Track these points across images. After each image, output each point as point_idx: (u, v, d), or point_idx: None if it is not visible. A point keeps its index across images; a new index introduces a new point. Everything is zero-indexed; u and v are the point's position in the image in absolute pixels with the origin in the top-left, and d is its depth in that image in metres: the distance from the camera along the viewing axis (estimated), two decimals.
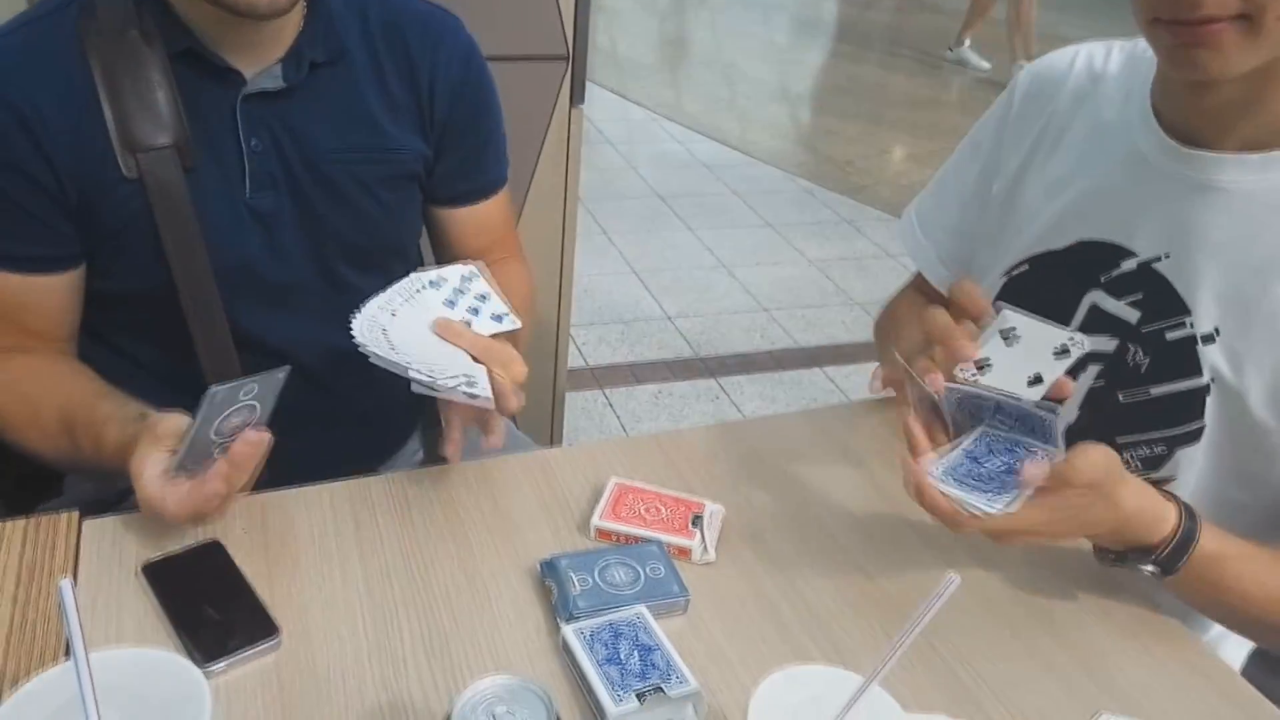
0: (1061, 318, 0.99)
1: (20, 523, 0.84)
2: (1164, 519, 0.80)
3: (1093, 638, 0.83)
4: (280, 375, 0.80)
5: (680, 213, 3.97)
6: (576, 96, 1.69)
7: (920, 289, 1.18)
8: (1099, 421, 0.97)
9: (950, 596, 0.56)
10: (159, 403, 0.90)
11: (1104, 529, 0.81)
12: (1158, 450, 0.94)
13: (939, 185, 1.15)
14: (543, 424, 1.98)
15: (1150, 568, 0.81)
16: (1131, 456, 0.96)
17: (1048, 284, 1.00)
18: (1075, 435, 1.00)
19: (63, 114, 0.92)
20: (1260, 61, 0.77)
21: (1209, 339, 0.89)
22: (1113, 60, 0.99)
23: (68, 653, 0.54)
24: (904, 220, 1.18)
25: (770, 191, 4.31)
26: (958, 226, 1.11)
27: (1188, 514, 0.81)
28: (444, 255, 1.22)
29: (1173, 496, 0.82)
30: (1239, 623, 0.88)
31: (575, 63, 1.67)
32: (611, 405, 2.68)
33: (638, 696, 0.69)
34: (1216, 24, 0.74)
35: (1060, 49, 1.05)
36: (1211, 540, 0.81)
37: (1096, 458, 0.76)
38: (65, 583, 0.49)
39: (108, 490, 1.09)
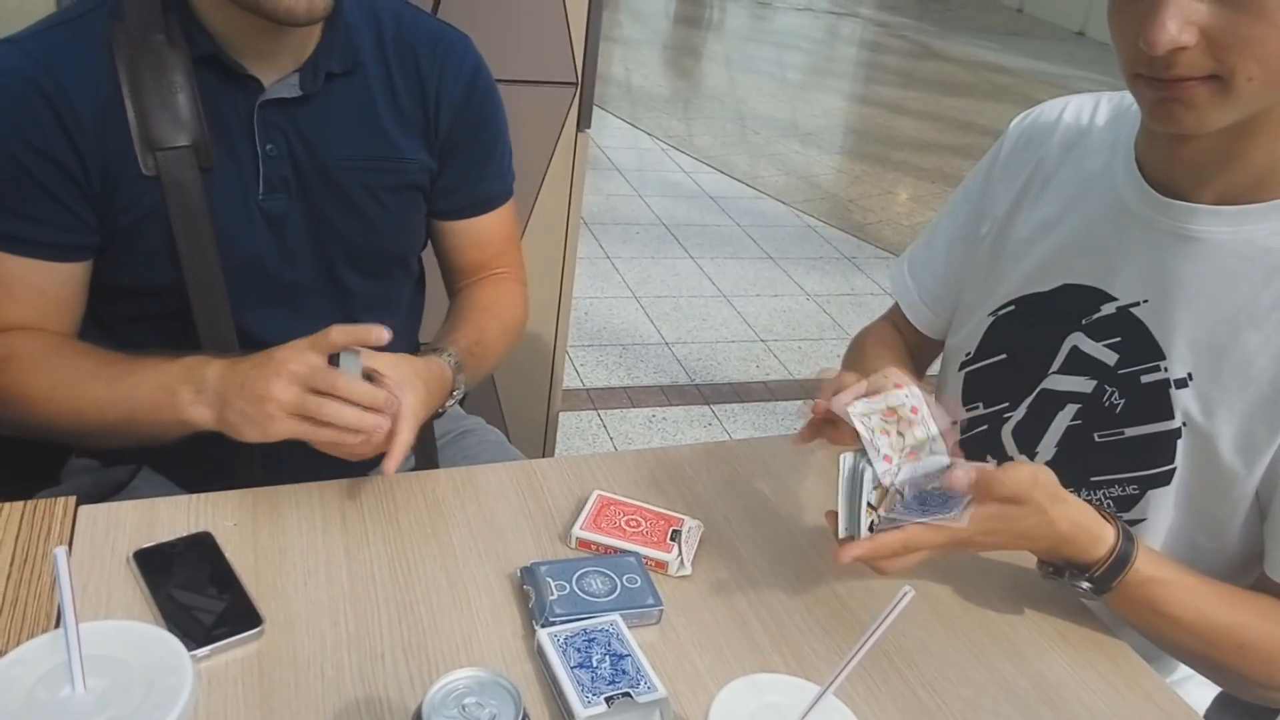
0: (1044, 358, 1.02)
1: (18, 506, 0.86)
2: (1101, 539, 0.83)
3: (1054, 666, 0.85)
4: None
5: (684, 241, 4.02)
6: (583, 122, 1.73)
7: (894, 322, 1.22)
8: (1074, 460, 0.99)
9: (905, 608, 0.58)
10: None
11: (1040, 544, 0.84)
12: (1130, 490, 0.96)
13: (931, 230, 1.19)
14: (535, 441, 2.00)
15: (1085, 584, 0.84)
16: (1105, 496, 0.98)
17: (1032, 324, 1.03)
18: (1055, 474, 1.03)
19: (91, 109, 0.95)
20: (1234, 119, 0.80)
21: (1182, 384, 0.91)
22: (1100, 112, 1.03)
23: (58, 626, 0.56)
24: (896, 262, 1.21)
25: (773, 225, 4.36)
26: (944, 270, 1.15)
27: (1125, 536, 0.84)
28: (445, 266, 1.25)
29: (1113, 518, 0.84)
30: (1172, 646, 0.90)
31: (583, 89, 1.71)
32: (605, 427, 2.70)
33: (606, 701, 0.71)
34: (1189, 82, 0.77)
35: (1050, 101, 1.08)
36: (1147, 564, 0.83)
37: (1022, 474, 0.80)
38: (59, 550, 0.52)
39: (105, 484, 1.12)
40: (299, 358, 0.86)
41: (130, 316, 1.07)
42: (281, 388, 0.85)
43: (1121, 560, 0.83)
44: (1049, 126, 1.05)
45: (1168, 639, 0.88)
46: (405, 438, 0.89)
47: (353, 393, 0.86)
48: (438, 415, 1.06)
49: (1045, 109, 1.08)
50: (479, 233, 1.22)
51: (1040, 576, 0.89)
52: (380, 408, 0.87)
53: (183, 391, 0.90)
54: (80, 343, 1.02)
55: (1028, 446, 1.04)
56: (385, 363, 0.92)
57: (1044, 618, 0.90)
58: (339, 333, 0.87)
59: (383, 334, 0.87)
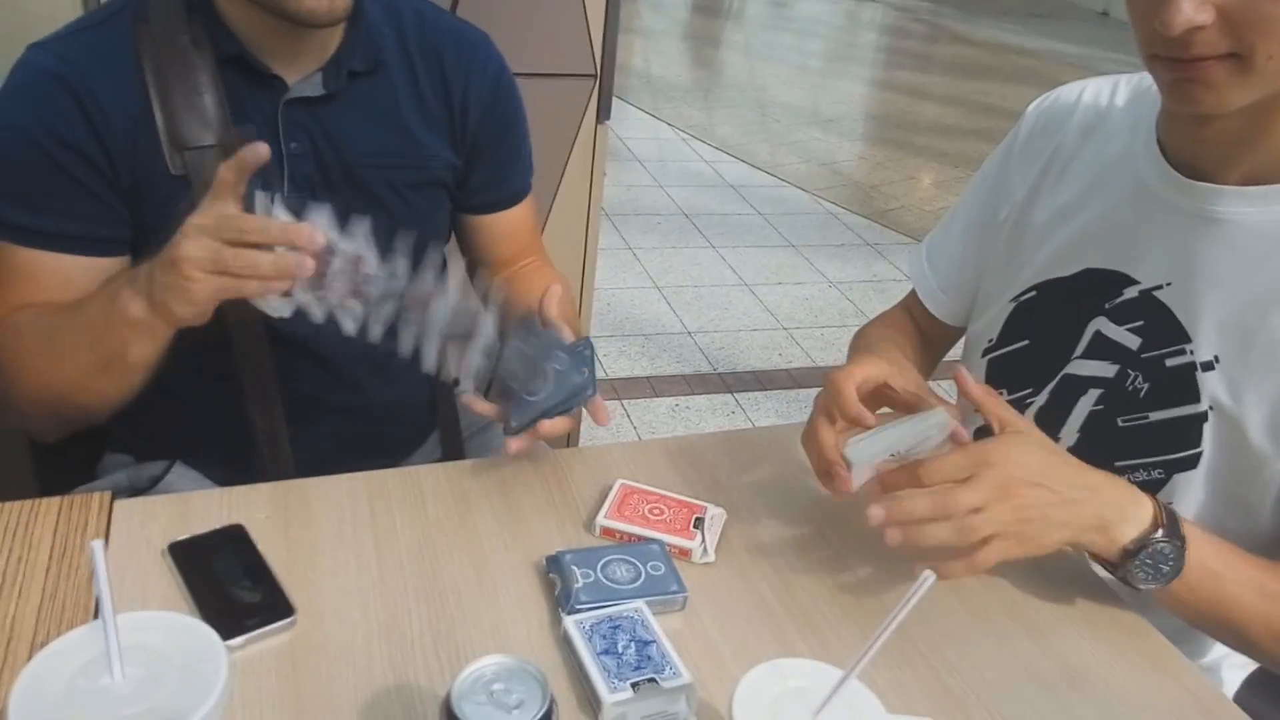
0: (1067, 343, 1.02)
1: (55, 501, 0.88)
2: (1138, 495, 0.82)
3: (1078, 648, 0.85)
4: None
5: (705, 231, 4.02)
6: (603, 113, 1.73)
7: (909, 310, 1.21)
8: (1097, 445, 0.98)
9: (926, 593, 0.59)
10: (194, 387, 0.95)
11: (1082, 498, 0.80)
12: (1155, 475, 0.96)
13: (949, 217, 1.18)
14: None
15: (1164, 549, 0.79)
16: (1130, 481, 0.98)
17: (1054, 310, 1.03)
18: (1079, 459, 1.03)
19: (119, 110, 0.97)
20: (1254, 97, 0.79)
21: (1208, 366, 0.91)
22: (1119, 94, 1.02)
23: (96, 617, 0.57)
24: (915, 251, 1.21)
25: (794, 213, 4.35)
26: (962, 256, 1.14)
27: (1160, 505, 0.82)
28: (471, 258, 1.26)
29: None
30: (1237, 624, 0.84)
31: (603, 81, 1.71)
32: (629, 416, 2.71)
33: (632, 686, 0.72)
34: (1207, 61, 0.76)
35: (1068, 84, 1.07)
36: (1195, 529, 0.82)
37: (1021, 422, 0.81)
38: (96, 543, 0.53)
39: (139, 479, 1.14)
40: (203, 211, 0.82)
41: None
42: (190, 246, 0.81)
43: (1173, 515, 0.81)
44: (1067, 110, 1.04)
45: (1235, 611, 0.83)
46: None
47: (265, 232, 0.81)
48: None
49: (1063, 92, 1.07)
50: (507, 226, 1.24)
51: (1099, 573, 0.86)
52: (298, 242, 0.81)
53: (124, 291, 0.88)
54: (44, 308, 1.00)
55: (1050, 432, 1.03)
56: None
57: (1067, 600, 0.90)
58: (225, 169, 0.83)
59: (259, 148, 0.82)
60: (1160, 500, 0.83)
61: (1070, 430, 1.02)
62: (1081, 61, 8.01)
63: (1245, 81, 0.77)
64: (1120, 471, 0.97)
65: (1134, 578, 0.81)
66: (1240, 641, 0.87)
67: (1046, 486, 0.79)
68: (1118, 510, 0.81)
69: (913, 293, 1.20)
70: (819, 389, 0.93)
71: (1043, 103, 1.08)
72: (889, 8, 10.22)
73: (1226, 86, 0.77)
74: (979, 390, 0.85)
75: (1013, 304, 1.06)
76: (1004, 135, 1.12)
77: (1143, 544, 0.80)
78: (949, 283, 1.16)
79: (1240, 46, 0.75)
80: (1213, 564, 0.82)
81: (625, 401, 2.78)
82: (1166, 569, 0.81)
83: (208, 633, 0.59)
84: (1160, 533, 0.80)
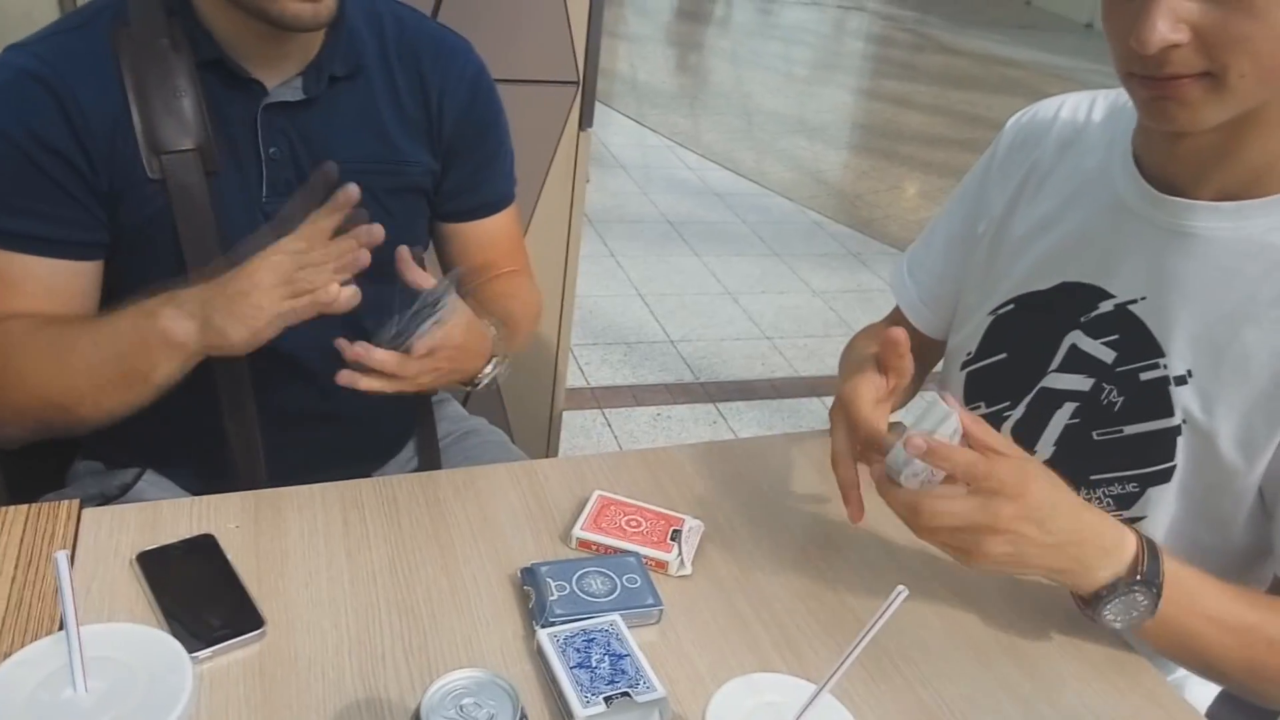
0: (1043, 356, 1.02)
1: (23, 509, 0.87)
2: (1121, 529, 0.80)
3: (1057, 667, 0.85)
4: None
5: (689, 239, 4.02)
6: (585, 120, 1.73)
7: (896, 323, 1.21)
8: (1073, 459, 0.99)
9: (901, 607, 0.58)
10: (168, 394, 0.94)
11: (1069, 543, 0.78)
12: (1130, 488, 0.96)
13: (929, 230, 1.18)
14: (539, 441, 2.01)
15: (1139, 590, 0.78)
16: (1105, 495, 0.98)
17: (1031, 323, 1.03)
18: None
19: (98, 111, 0.96)
20: (1229, 115, 0.79)
21: (1181, 380, 0.91)
22: (1096, 110, 1.03)
23: (60, 629, 0.56)
24: (897, 263, 1.21)
25: (779, 222, 4.35)
26: (942, 270, 1.15)
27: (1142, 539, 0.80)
28: (449, 270, 1.25)
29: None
30: (1213, 658, 0.83)
31: (585, 88, 1.71)
32: (610, 425, 2.71)
33: (605, 700, 0.71)
34: (1182, 79, 0.77)
35: (1046, 99, 1.08)
36: (1172, 558, 0.81)
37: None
38: (61, 554, 0.52)
39: (109, 487, 1.13)
40: (280, 245, 0.90)
41: None
42: (267, 274, 0.89)
43: (1153, 548, 0.79)
44: (1045, 124, 1.05)
45: (1209, 650, 0.82)
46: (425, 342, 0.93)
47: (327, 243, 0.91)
48: (475, 385, 1.06)
49: (1041, 107, 1.07)
50: (484, 235, 1.23)
51: (1080, 613, 0.83)
52: (359, 244, 0.90)
53: (164, 310, 0.91)
54: (60, 318, 1.00)
55: (1026, 445, 1.03)
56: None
57: (1042, 615, 0.90)
58: (323, 216, 0.92)
59: (350, 190, 0.92)
60: (1145, 540, 0.80)
61: (1046, 443, 1.02)
62: (1067, 73, 8.07)
63: (1219, 100, 0.78)
64: (1095, 485, 0.98)
65: (1103, 619, 0.80)
66: (1215, 677, 0.87)
67: (1044, 528, 0.77)
68: (1098, 556, 0.79)
69: (898, 307, 1.20)
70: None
71: (1021, 117, 1.09)
72: (876, 17, 10.27)
73: (1201, 104, 0.78)
74: (967, 418, 0.82)
75: (991, 317, 1.06)
76: (989, 145, 1.13)
77: (1115, 589, 0.79)
78: (930, 295, 1.16)
79: (1214, 65, 0.76)
80: (1188, 603, 0.80)
81: (606, 410, 2.77)
82: (1137, 614, 0.80)
83: (173, 644, 0.58)
84: (1137, 578, 0.79)
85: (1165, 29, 0.74)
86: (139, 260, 1.02)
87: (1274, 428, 0.86)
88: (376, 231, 0.91)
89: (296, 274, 0.89)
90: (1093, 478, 0.98)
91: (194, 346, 0.91)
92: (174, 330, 0.90)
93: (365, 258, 0.90)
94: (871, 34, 9.59)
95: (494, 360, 1.06)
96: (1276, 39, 0.74)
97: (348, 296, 0.90)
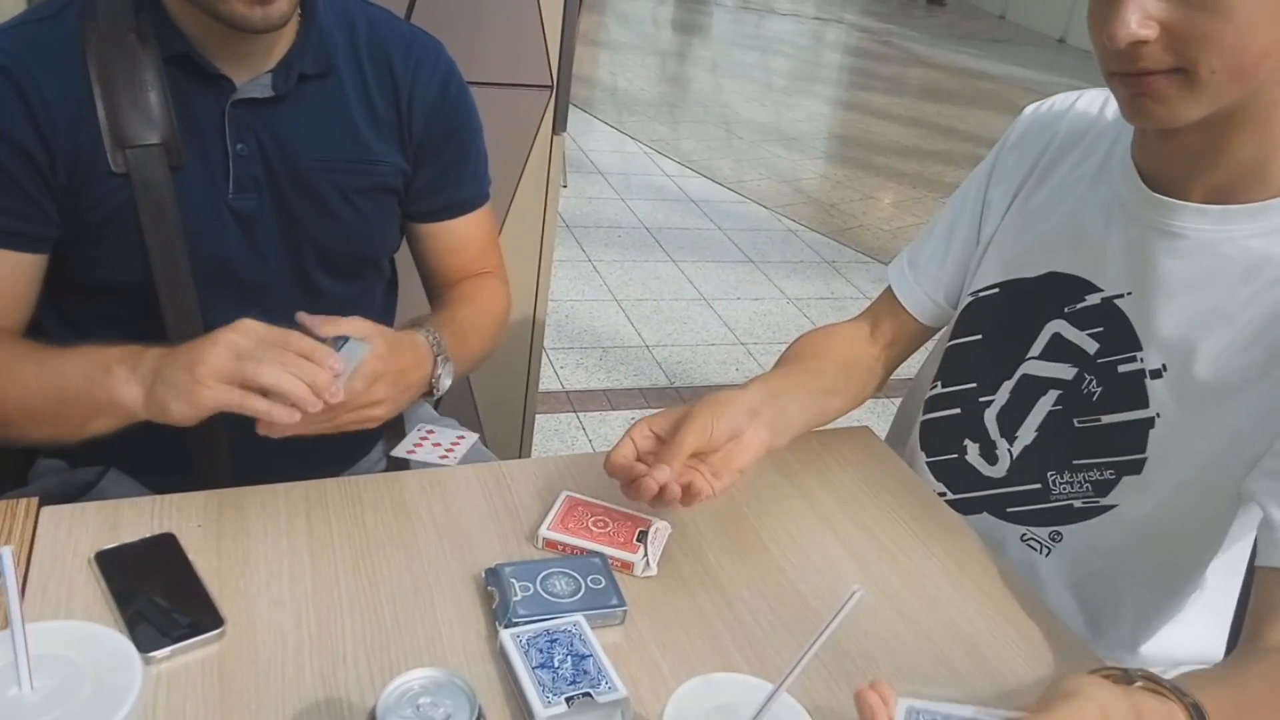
0: (1022, 342, 1.04)
1: None
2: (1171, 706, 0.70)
3: (1014, 666, 0.85)
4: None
5: (666, 245, 4.02)
6: (559, 125, 1.73)
7: (874, 319, 1.18)
8: (1055, 444, 1.02)
9: (856, 607, 0.59)
10: None
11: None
12: (1107, 475, 0.98)
13: (936, 218, 1.18)
14: (512, 443, 2.00)
15: None
16: (1084, 479, 1.00)
17: (1014, 308, 1.05)
18: (1033, 456, 1.03)
19: (62, 104, 0.95)
20: (1205, 111, 0.81)
21: (1157, 374, 0.93)
22: (1108, 107, 1.04)
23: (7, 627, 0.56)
24: (895, 258, 1.20)
25: (755, 229, 4.37)
26: (947, 254, 1.14)
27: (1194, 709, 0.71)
28: (424, 271, 1.25)
29: (1171, 692, 0.71)
30: None
31: (559, 92, 1.71)
32: (584, 429, 2.70)
33: (567, 701, 0.71)
34: (1155, 75, 0.79)
35: (1064, 93, 1.09)
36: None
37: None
38: (5, 549, 0.52)
39: (71, 485, 1.11)
40: (244, 331, 0.84)
41: (99, 315, 1.07)
42: (216, 354, 0.83)
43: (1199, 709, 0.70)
44: (1059, 116, 1.06)
45: None
46: (355, 385, 0.89)
47: (306, 352, 0.84)
48: (428, 394, 1.05)
49: (1059, 99, 1.09)
50: (455, 236, 1.23)
51: None
52: (319, 389, 0.83)
53: (118, 369, 0.88)
54: (15, 335, 1.00)
55: (1009, 430, 1.06)
56: (346, 325, 0.91)
57: (1007, 619, 0.91)
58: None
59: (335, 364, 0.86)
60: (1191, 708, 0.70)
61: (1028, 429, 1.04)
62: (1038, 86, 8.16)
63: (1193, 96, 0.79)
64: (1076, 469, 1.00)
65: None
66: None
67: None
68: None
69: (884, 301, 1.18)
70: None
71: (1039, 107, 1.10)
72: (853, 29, 10.35)
73: (1175, 100, 0.80)
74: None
75: (970, 297, 1.08)
76: (963, 157, 1.15)
77: None
78: (933, 281, 1.14)
79: (1184, 61, 0.78)
80: None
81: (580, 414, 2.77)
82: None
83: (122, 643, 0.58)
84: None
85: (1134, 24, 0.76)
86: (103, 253, 1.01)
87: (1243, 424, 0.88)
88: (336, 366, 0.86)
89: (245, 365, 0.82)
90: (1075, 462, 1.00)
91: (136, 413, 0.88)
92: (122, 394, 0.87)
93: (315, 404, 0.83)
94: (849, 46, 9.67)
95: (439, 359, 1.03)
96: (1242, 36, 0.76)
97: (281, 415, 0.83)
